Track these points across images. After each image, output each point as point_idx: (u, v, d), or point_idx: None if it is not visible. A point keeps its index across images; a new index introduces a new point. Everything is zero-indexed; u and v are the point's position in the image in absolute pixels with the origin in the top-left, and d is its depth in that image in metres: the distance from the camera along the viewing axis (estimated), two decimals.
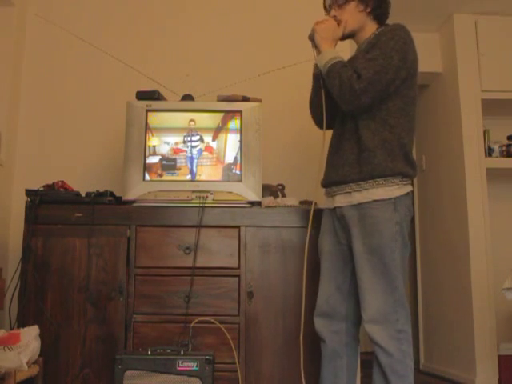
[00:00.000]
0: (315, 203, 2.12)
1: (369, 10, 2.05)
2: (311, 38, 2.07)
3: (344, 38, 2.09)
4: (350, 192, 1.95)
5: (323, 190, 2.13)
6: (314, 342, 2.08)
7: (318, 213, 2.15)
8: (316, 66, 2.09)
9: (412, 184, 1.98)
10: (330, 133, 2.15)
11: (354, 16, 2.05)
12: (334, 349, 2.00)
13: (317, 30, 2.04)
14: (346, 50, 2.15)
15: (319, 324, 2.02)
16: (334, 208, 2.02)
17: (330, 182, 2.04)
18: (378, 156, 1.89)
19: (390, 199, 1.89)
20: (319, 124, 2.15)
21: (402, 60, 1.90)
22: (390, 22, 2.14)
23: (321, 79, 2.05)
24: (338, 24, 2.04)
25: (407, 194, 1.93)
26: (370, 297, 1.86)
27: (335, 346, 2.00)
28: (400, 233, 1.89)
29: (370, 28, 2.06)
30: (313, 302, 2.07)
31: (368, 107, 1.91)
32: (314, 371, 2.07)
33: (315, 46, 2.06)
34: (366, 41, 2.04)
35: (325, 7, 2.14)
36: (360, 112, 1.93)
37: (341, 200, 1.98)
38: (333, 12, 2.08)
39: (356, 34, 2.08)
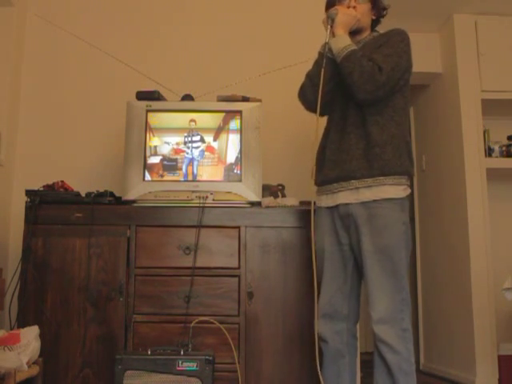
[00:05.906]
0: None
1: (375, 17, 2.11)
2: (331, 16, 1.99)
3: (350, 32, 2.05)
4: (357, 188, 1.92)
5: (315, 187, 2.09)
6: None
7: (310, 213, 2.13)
8: (323, 46, 2.01)
9: (412, 183, 1.99)
10: (322, 127, 2.12)
11: (366, 16, 2.08)
12: (337, 349, 2.00)
13: (342, 12, 1.99)
14: None
15: (322, 325, 2.01)
16: (336, 206, 1.99)
17: (332, 178, 1.99)
18: (388, 152, 1.90)
19: (398, 199, 1.91)
20: (309, 106, 2.09)
21: (407, 62, 1.97)
22: (390, 21, 2.15)
23: (324, 60, 1.98)
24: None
25: (407, 196, 1.97)
26: (379, 296, 1.87)
27: (338, 346, 2.00)
28: (406, 233, 1.92)
29: (364, 33, 2.09)
30: (312, 301, 2.06)
31: (378, 101, 1.93)
32: (314, 371, 2.06)
33: (331, 25, 1.98)
34: (362, 41, 2.07)
35: None
36: (370, 104, 1.93)
37: (347, 197, 1.95)
38: (352, 3, 2.04)
39: (357, 33, 2.08)
